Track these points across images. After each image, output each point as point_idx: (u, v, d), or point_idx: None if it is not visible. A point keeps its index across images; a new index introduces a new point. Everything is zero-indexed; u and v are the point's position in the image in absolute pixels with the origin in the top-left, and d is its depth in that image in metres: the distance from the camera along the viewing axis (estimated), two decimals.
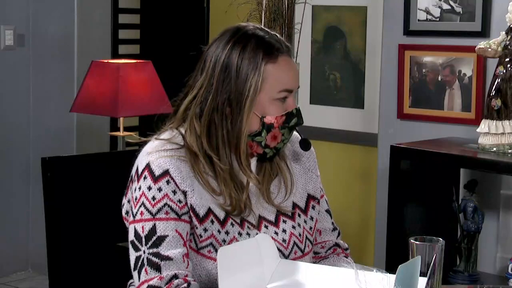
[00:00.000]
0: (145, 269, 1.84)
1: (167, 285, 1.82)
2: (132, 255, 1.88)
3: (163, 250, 1.84)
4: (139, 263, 1.85)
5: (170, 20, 5.52)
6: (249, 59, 1.90)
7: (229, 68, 1.90)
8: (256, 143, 1.93)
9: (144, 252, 1.85)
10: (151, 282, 1.83)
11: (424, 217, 3.30)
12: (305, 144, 2.04)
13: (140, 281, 1.84)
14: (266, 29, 1.98)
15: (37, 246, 4.79)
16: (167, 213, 1.86)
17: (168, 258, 1.84)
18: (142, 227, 1.86)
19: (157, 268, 1.83)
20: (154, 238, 1.85)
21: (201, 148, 1.92)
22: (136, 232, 1.87)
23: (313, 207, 2.08)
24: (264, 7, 3.66)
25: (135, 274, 1.87)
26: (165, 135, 1.95)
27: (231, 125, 1.91)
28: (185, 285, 1.82)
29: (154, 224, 1.86)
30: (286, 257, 1.98)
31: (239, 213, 1.92)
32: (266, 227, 1.97)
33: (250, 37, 1.92)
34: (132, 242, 1.88)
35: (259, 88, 1.89)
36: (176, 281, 1.82)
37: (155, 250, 1.84)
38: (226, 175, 1.91)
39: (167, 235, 1.85)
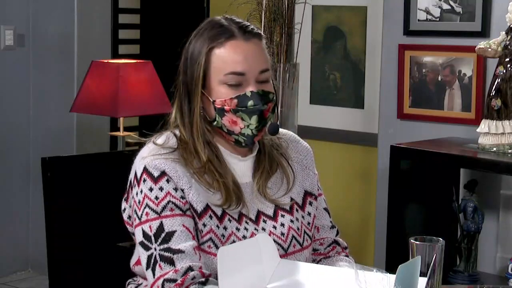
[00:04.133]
0: (159, 265, 1.85)
1: (182, 277, 1.83)
2: (144, 254, 1.89)
3: (174, 244, 1.86)
4: (152, 261, 1.86)
5: (170, 20, 5.52)
6: (198, 44, 1.95)
7: (186, 56, 1.98)
8: (221, 130, 1.96)
9: (155, 249, 1.87)
10: (166, 276, 1.84)
11: (424, 217, 3.30)
12: (271, 128, 1.98)
13: (156, 277, 1.85)
14: (238, 18, 1.99)
15: (37, 246, 4.80)
16: (172, 209, 1.88)
17: (180, 251, 1.85)
18: (150, 226, 1.88)
19: (171, 262, 1.84)
20: (163, 234, 1.87)
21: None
22: (144, 232, 1.89)
23: (310, 203, 2.09)
24: (264, 7, 3.66)
25: (149, 272, 1.87)
26: (160, 139, 1.98)
27: (189, 111, 1.96)
28: (203, 279, 1.83)
29: (161, 222, 1.87)
30: (285, 250, 1.99)
31: (231, 204, 1.93)
32: (264, 221, 1.98)
33: (207, 26, 1.98)
34: (142, 242, 1.89)
35: (201, 71, 1.93)
36: (192, 273, 1.83)
37: (165, 245, 1.86)
38: (208, 165, 1.94)
39: (175, 230, 1.87)
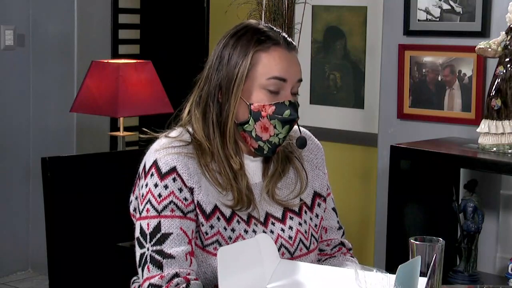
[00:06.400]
0: (148, 267, 1.86)
1: (167, 284, 1.83)
2: (137, 251, 1.90)
3: (167, 248, 1.86)
4: (143, 260, 1.87)
5: (170, 20, 5.52)
6: (241, 46, 1.94)
7: (223, 56, 1.95)
8: (248, 134, 1.94)
9: (148, 249, 1.87)
10: (152, 280, 1.85)
11: (424, 217, 3.30)
12: (300, 142, 2.02)
13: (143, 278, 1.87)
14: (273, 27, 2.00)
15: (37, 246, 4.80)
16: (172, 210, 1.88)
17: (170, 256, 1.85)
18: (148, 224, 1.88)
19: (159, 266, 1.85)
20: (159, 235, 1.87)
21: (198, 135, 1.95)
22: (141, 229, 1.90)
23: (319, 205, 2.09)
24: (264, 7, 3.66)
25: (139, 270, 1.89)
26: (173, 133, 1.98)
27: (220, 111, 1.95)
28: (184, 285, 1.83)
29: (159, 222, 1.88)
30: (291, 254, 1.99)
31: (242, 207, 1.93)
32: (273, 224, 1.98)
33: (248, 28, 1.97)
34: (138, 238, 1.90)
35: (246, 72, 1.92)
36: (176, 280, 1.84)
37: (158, 247, 1.86)
38: (221, 163, 1.93)
39: (172, 233, 1.87)
